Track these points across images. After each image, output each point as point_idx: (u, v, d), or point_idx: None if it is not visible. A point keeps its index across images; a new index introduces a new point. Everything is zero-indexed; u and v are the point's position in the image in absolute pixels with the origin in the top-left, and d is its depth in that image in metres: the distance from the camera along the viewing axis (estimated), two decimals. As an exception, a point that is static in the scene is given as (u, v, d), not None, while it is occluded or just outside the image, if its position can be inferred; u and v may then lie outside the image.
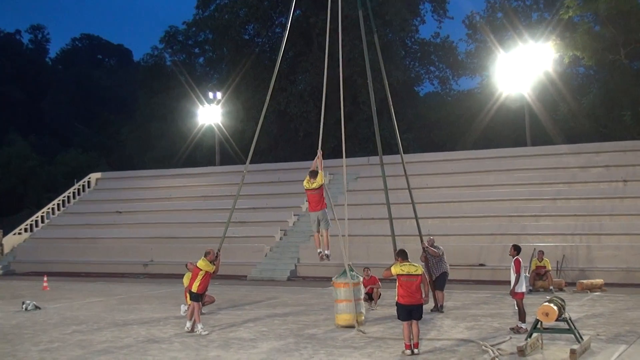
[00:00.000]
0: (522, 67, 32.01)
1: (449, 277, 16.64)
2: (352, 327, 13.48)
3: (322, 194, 13.52)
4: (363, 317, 13.93)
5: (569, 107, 36.74)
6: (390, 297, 15.44)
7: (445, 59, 51.17)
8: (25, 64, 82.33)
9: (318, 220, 13.59)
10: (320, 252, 13.83)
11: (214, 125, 40.84)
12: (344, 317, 13.78)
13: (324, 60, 15.10)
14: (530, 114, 34.69)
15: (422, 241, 16.26)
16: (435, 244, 16.45)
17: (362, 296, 16.89)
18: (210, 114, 40.10)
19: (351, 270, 13.79)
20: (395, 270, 11.35)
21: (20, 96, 77.32)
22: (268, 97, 16.35)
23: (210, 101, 40.00)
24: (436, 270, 16.05)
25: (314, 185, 13.46)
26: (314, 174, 13.58)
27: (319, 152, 14.04)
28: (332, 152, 39.95)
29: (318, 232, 13.88)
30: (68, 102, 77.32)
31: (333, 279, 14.12)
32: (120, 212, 35.20)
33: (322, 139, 14.92)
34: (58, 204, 37.27)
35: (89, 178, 39.44)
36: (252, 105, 43.76)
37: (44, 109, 77.35)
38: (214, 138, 42.50)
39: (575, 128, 36.73)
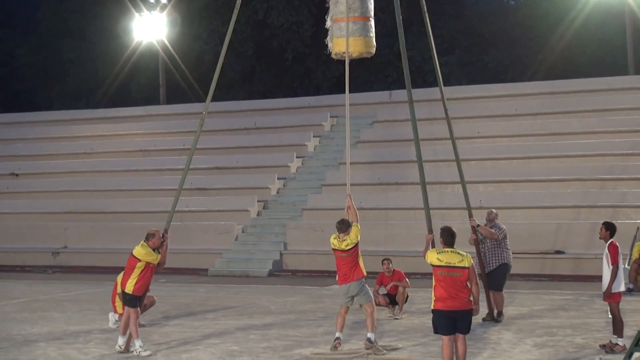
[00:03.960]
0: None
1: (511, 271, 16.72)
2: None
3: (357, 258, 13.36)
4: None
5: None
6: (424, 300, 15.53)
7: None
8: None
9: (349, 295, 13.43)
10: (339, 338, 13.52)
11: (156, 43, 40.46)
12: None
13: None
14: (634, 26, 34.45)
15: (470, 217, 16.28)
16: (496, 222, 16.44)
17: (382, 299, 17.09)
18: (150, 26, 39.73)
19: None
20: (430, 257, 11.34)
21: None
22: (239, 1, 16.19)
23: (150, 7, 39.58)
24: (492, 260, 16.10)
25: (344, 246, 13.30)
26: (344, 226, 13.38)
27: (348, 198, 13.87)
28: (336, 84, 39.91)
29: (347, 307, 13.64)
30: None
31: None
32: (17, 175, 35.27)
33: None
34: None
35: (-30, 124, 39.43)
36: (214, 14, 43.49)
37: None
38: (156, 63, 42.21)
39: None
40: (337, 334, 13.44)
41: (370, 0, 14.96)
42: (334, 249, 13.54)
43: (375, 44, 15.16)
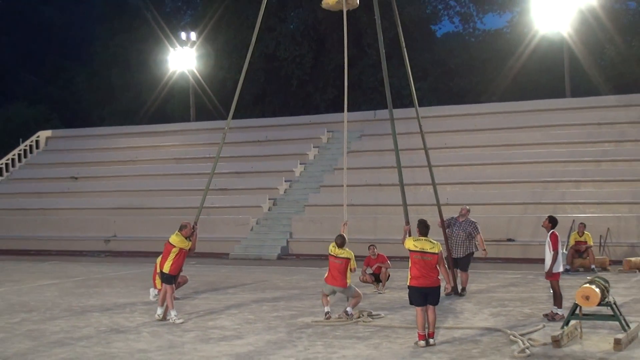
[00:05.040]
0: (562, 2, 31.72)
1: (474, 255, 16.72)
2: None
3: (347, 268, 13.40)
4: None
5: (617, 50, 36.60)
6: (402, 278, 15.54)
7: (469, -8, 50.71)
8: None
9: (333, 292, 13.49)
10: (328, 312, 13.54)
11: (187, 73, 40.61)
12: None
13: None
14: (570, 59, 34.52)
15: (440, 212, 16.29)
16: (468, 217, 16.38)
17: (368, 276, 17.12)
18: (183, 59, 39.85)
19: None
20: (408, 244, 11.42)
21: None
22: (253, 39, 16.21)
23: (183, 43, 39.70)
24: (462, 249, 16.06)
25: (339, 253, 13.35)
26: (341, 241, 13.44)
27: (344, 228, 13.86)
28: (331, 105, 39.90)
29: (328, 297, 13.68)
30: (10, 45, 76.59)
31: None
32: (76, 178, 35.21)
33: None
34: (1, 169, 37.26)
35: (38, 137, 39.41)
36: (234, 49, 43.47)
37: (-20, 52, 76.73)
38: (188, 88, 42.31)
39: (625, 75, 36.62)
40: (326, 309, 13.48)
41: None
42: (330, 254, 13.56)
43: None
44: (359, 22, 39.65)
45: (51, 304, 16.16)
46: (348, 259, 13.31)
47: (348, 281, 13.40)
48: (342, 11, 14.99)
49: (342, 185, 15.15)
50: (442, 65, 45.97)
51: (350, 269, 13.44)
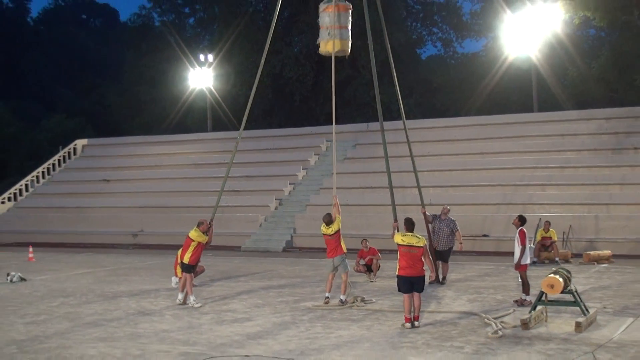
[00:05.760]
0: (530, 29, 31.76)
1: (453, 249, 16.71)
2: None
3: (339, 240, 13.49)
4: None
5: (578, 71, 36.56)
6: (391, 269, 15.55)
7: (449, 20, 50.74)
8: (4, 24, 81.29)
9: (334, 266, 13.52)
10: (328, 297, 13.59)
11: (205, 90, 40.59)
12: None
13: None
14: (537, 79, 34.53)
15: (423, 209, 16.27)
16: (448, 216, 16.38)
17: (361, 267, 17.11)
18: (201, 77, 39.82)
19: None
20: (396, 239, 11.44)
21: (-1, 59, 76.64)
22: (263, 60, 16.23)
23: (201, 64, 39.68)
24: (446, 244, 16.09)
25: (330, 231, 13.42)
26: (329, 221, 13.50)
27: (334, 198, 13.88)
28: (329, 118, 39.72)
29: (333, 274, 13.68)
30: (51, 65, 76.61)
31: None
32: (107, 181, 35.17)
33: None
34: (42, 172, 37.25)
35: (75, 145, 39.36)
36: (246, 69, 43.46)
37: (25, 71, 76.59)
38: (205, 103, 42.30)
39: (585, 93, 36.61)
40: (327, 294, 13.53)
41: (347, 15, 14.86)
42: (323, 234, 13.62)
43: (349, 46, 15.07)
44: (354, 47, 39.47)
45: (86, 290, 16.18)
46: (338, 230, 13.41)
47: (344, 249, 13.51)
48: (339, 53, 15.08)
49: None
50: (426, 84, 46.07)
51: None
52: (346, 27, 14.88)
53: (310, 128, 36.29)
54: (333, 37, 14.61)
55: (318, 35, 15.28)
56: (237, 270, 19.71)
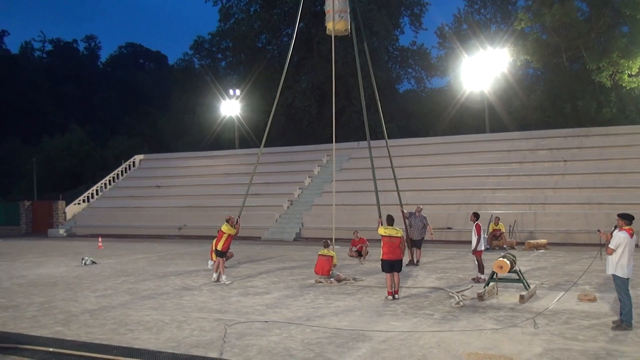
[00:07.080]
0: (483, 69, 31.80)
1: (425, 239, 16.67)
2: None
3: (330, 263, 13.52)
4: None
5: (520, 101, 36.54)
6: (376, 254, 15.52)
7: (420, 62, 50.85)
8: (81, 67, 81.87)
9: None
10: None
11: (233, 117, 40.71)
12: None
13: (331, 65, 14.85)
14: (489, 107, 34.47)
15: (402, 207, 16.27)
16: (421, 213, 16.37)
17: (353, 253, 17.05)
18: (230, 107, 40.00)
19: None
20: (380, 231, 11.43)
21: (77, 93, 77.29)
22: (278, 94, 16.27)
23: (230, 97, 39.85)
24: (420, 234, 16.14)
25: (327, 253, 13.56)
26: (326, 246, 13.88)
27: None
28: (329, 138, 39.56)
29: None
30: (116, 98, 77.07)
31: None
32: (159, 186, 35.17)
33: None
34: (109, 180, 37.28)
35: (134, 159, 39.39)
36: (265, 100, 43.51)
37: (97, 103, 77.13)
38: (234, 127, 42.35)
39: (526, 118, 36.55)
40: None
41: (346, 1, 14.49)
42: (320, 254, 13.66)
43: (348, 26, 14.56)
44: (347, 84, 39.75)
45: (142, 271, 16.17)
46: (332, 257, 13.46)
47: (331, 272, 13.49)
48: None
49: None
50: (403, 111, 46.09)
51: (333, 265, 13.58)
52: (345, 11, 14.55)
53: (315, 146, 36.27)
54: (341, 18, 14.19)
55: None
56: (259, 255, 19.70)
